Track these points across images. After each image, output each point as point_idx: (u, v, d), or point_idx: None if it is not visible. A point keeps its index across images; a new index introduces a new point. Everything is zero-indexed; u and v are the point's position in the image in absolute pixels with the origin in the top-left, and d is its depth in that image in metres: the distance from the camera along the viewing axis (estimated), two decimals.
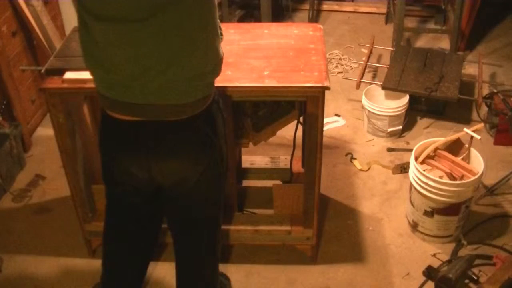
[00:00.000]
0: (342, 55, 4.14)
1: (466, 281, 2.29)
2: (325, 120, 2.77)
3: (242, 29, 2.40)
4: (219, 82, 1.69)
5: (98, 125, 2.38)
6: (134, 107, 1.56)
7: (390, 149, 3.22)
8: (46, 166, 3.12)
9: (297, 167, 2.65)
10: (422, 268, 2.31)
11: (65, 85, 2.04)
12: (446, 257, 2.52)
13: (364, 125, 3.37)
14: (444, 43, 4.21)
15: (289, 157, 2.64)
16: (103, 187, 1.86)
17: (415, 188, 2.50)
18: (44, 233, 2.71)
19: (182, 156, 1.65)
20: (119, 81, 1.54)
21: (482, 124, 2.71)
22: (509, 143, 3.19)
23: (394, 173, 3.04)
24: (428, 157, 2.58)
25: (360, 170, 3.07)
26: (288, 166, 2.67)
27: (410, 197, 2.61)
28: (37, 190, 2.98)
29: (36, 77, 3.37)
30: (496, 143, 3.21)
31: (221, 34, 1.65)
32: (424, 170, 2.46)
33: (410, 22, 4.50)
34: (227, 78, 2.01)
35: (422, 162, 2.57)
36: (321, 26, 2.40)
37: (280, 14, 4.66)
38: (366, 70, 3.57)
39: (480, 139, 2.53)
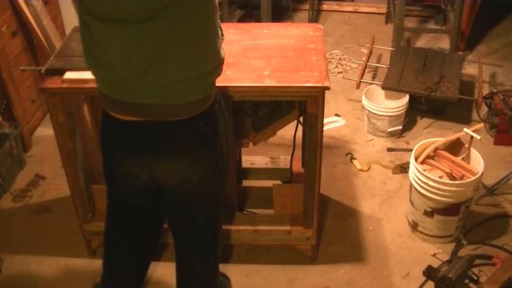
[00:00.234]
0: (342, 55, 4.14)
1: (466, 281, 2.29)
2: (325, 120, 2.78)
3: (242, 29, 2.40)
4: (219, 82, 1.69)
5: (98, 125, 2.39)
6: (135, 107, 1.56)
7: (390, 149, 3.22)
8: (46, 166, 3.12)
9: (297, 167, 2.65)
10: (422, 268, 2.31)
11: (65, 85, 2.04)
12: (446, 257, 2.52)
13: (364, 125, 3.37)
14: (444, 43, 4.21)
15: (289, 157, 2.64)
16: (103, 187, 1.86)
17: (415, 188, 2.50)
18: (44, 233, 2.71)
19: (183, 156, 1.65)
20: (120, 81, 1.54)
21: (482, 124, 2.72)
22: (509, 143, 3.19)
23: (394, 173, 3.04)
24: (428, 157, 2.58)
25: (360, 170, 3.07)
26: (288, 166, 2.67)
27: (410, 197, 2.61)
28: (37, 190, 2.98)
29: (36, 77, 3.37)
30: (496, 143, 3.21)
31: (222, 35, 1.65)
32: (424, 170, 2.46)
33: (410, 22, 4.50)
34: (227, 78, 2.01)
35: (422, 162, 2.57)
36: (321, 26, 2.40)
37: (280, 14, 4.66)
38: (366, 70, 3.57)
39: (480, 139, 2.53)
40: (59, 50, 2.22)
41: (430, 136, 3.25)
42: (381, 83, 3.24)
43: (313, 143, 2.12)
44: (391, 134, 3.27)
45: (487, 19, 4.42)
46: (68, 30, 3.20)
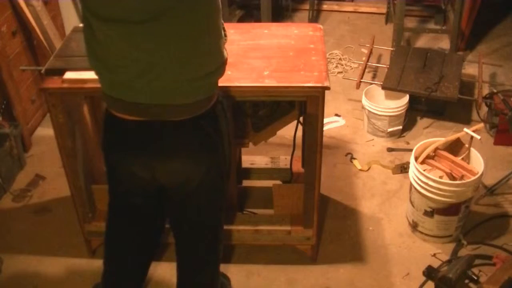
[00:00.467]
0: (342, 55, 4.14)
1: (466, 281, 2.29)
2: (325, 120, 2.78)
3: (242, 29, 2.40)
4: (219, 82, 1.69)
5: (98, 125, 2.39)
6: (137, 107, 1.56)
7: (390, 149, 3.22)
8: (46, 166, 3.12)
9: (297, 167, 2.65)
10: (422, 268, 2.31)
11: (65, 85, 2.04)
12: (446, 257, 2.52)
13: (364, 125, 3.37)
14: (444, 43, 4.21)
15: (289, 157, 2.64)
16: (103, 187, 1.86)
17: (415, 188, 2.50)
18: (44, 233, 2.71)
19: (185, 156, 1.65)
20: (122, 81, 1.54)
21: (482, 124, 2.72)
22: (509, 143, 3.19)
23: (394, 173, 3.04)
24: (428, 157, 2.58)
25: (360, 170, 3.07)
26: (288, 166, 2.67)
27: (410, 197, 2.61)
28: (37, 190, 2.98)
29: (36, 77, 3.37)
30: (496, 143, 3.21)
31: (225, 35, 1.65)
32: (424, 170, 2.46)
33: (410, 22, 4.50)
34: (227, 78, 2.00)
35: (422, 162, 2.57)
36: (321, 26, 2.40)
37: (280, 14, 4.66)
38: (366, 70, 3.57)
39: (480, 139, 2.53)
40: (59, 50, 2.22)
41: (430, 136, 3.25)
42: (381, 83, 3.24)
43: (313, 143, 2.12)
44: (391, 134, 3.27)
45: (487, 19, 4.43)
46: (68, 30, 3.20)
